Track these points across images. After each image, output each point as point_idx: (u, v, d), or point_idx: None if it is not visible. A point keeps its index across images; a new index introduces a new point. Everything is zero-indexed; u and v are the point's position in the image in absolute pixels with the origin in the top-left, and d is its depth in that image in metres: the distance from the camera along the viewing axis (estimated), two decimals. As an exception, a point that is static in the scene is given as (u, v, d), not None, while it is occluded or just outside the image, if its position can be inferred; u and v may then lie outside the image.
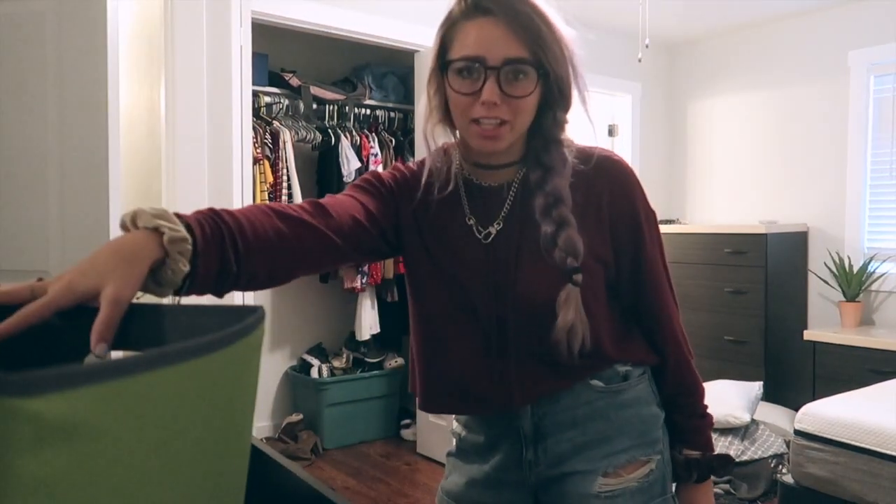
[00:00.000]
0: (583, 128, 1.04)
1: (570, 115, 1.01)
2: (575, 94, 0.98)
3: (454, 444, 1.15)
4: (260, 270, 0.84)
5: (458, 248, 1.02)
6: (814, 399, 3.11)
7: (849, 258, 4.04)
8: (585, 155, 1.01)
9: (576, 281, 0.94)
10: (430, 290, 1.04)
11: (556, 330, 0.93)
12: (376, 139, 3.84)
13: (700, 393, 1.10)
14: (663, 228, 4.59)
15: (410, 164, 1.10)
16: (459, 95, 0.93)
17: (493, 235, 1.00)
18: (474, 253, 1.00)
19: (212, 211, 0.80)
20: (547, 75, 0.93)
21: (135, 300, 0.65)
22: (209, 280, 0.78)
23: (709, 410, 1.10)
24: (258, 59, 3.37)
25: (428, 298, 1.04)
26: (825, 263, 4.12)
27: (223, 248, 0.78)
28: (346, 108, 3.84)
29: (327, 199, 0.97)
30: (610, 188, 1.00)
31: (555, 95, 0.96)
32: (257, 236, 0.82)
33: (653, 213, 1.06)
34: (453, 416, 1.17)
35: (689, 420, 1.08)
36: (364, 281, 3.78)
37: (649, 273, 1.04)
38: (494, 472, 1.06)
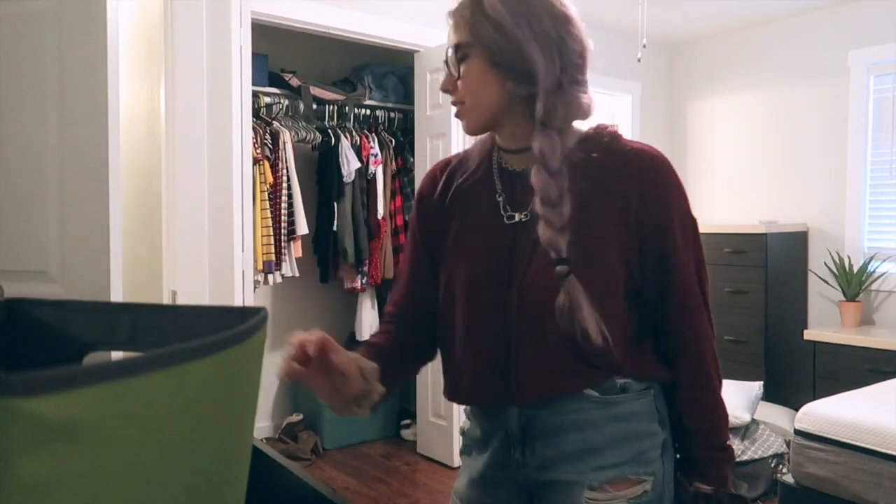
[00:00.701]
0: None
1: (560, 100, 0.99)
2: (539, 60, 0.95)
3: (461, 441, 1.16)
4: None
5: (485, 228, 1.04)
6: (814, 399, 3.11)
7: (849, 258, 4.04)
8: (618, 146, 1.00)
9: (559, 272, 0.93)
10: (447, 274, 1.06)
11: (555, 311, 0.93)
12: (376, 139, 3.84)
13: (722, 422, 1.02)
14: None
15: (448, 157, 1.17)
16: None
17: (515, 220, 1.01)
18: (496, 231, 1.02)
19: (369, 351, 1.04)
20: (480, 49, 0.97)
21: (135, 301, 0.65)
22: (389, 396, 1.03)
23: (730, 443, 1.03)
24: (258, 59, 3.37)
25: (445, 285, 1.06)
26: (825, 263, 4.12)
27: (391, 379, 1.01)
28: (346, 108, 3.84)
29: (398, 296, 1.15)
30: (641, 187, 0.98)
31: (497, 68, 0.96)
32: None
33: (692, 218, 1.02)
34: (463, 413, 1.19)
35: (703, 451, 1.01)
36: (364, 281, 3.78)
37: (678, 283, 1.00)
38: (488, 470, 1.06)
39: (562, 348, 0.95)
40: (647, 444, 0.99)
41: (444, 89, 1.03)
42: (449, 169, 1.11)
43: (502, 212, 1.02)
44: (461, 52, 0.98)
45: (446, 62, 1.01)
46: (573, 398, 0.98)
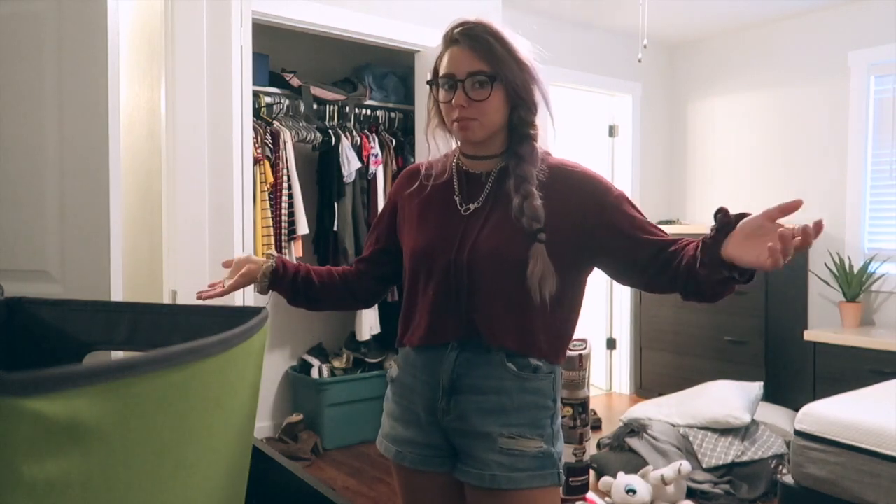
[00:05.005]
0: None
1: (540, 119, 1.29)
2: (539, 98, 1.27)
3: (389, 388, 1.39)
4: (323, 299, 1.45)
5: (443, 216, 1.31)
6: (814, 399, 3.11)
7: (849, 259, 4.04)
8: (552, 165, 1.28)
9: (540, 239, 1.19)
10: (412, 243, 1.32)
11: (528, 277, 1.18)
12: (377, 139, 3.84)
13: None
14: (663, 228, 4.60)
15: (419, 162, 1.41)
16: (443, 103, 1.28)
17: (471, 210, 1.29)
18: (455, 220, 1.29)
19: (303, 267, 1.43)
20: (504, 82, 1.22)
21: (135, 301, 0.65)
22: (284, 287, 1.40)
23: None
24: (259, 59, 3.37)
25: (411, 251, 1.31)
26: (825, 264, 4.12)
27: (295, 277, 1.40)
28: (347, 108, 3.84)
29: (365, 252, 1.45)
30: (566, 191, 1.24)
31: (515, 98, 1.25)
32: (321, 279, 1.43)
33: (621, 193, 1.27)
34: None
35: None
36: (364, 281, 3.77)
37: (634, 227, 1.24)
38: (422, 414, 1.28)
39: (500, 292, 1.21)
40: (542, 414, 1.26)
41: (460, 105, 1.22)
42: (423, 172, 1.38)
43: (459, 207, 1.30)
44: (482, 79, 1.21)
45: (461, 83, 1.21)
46: (497, 367, 1.23)
